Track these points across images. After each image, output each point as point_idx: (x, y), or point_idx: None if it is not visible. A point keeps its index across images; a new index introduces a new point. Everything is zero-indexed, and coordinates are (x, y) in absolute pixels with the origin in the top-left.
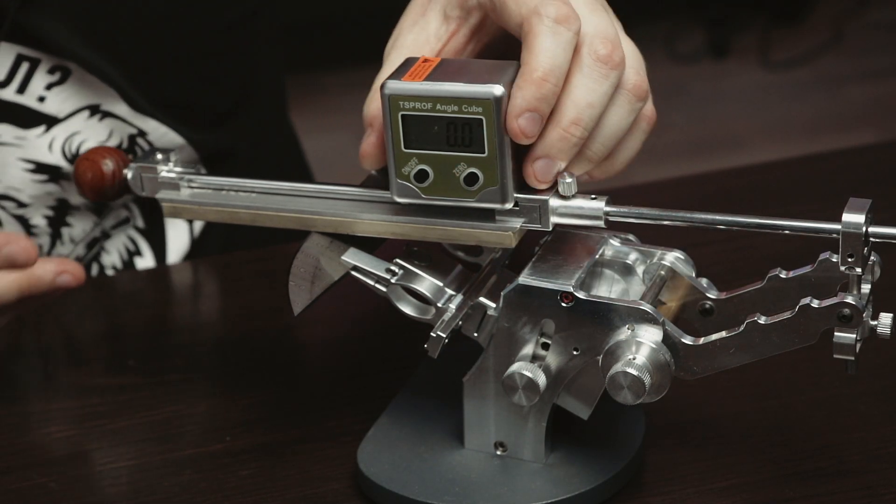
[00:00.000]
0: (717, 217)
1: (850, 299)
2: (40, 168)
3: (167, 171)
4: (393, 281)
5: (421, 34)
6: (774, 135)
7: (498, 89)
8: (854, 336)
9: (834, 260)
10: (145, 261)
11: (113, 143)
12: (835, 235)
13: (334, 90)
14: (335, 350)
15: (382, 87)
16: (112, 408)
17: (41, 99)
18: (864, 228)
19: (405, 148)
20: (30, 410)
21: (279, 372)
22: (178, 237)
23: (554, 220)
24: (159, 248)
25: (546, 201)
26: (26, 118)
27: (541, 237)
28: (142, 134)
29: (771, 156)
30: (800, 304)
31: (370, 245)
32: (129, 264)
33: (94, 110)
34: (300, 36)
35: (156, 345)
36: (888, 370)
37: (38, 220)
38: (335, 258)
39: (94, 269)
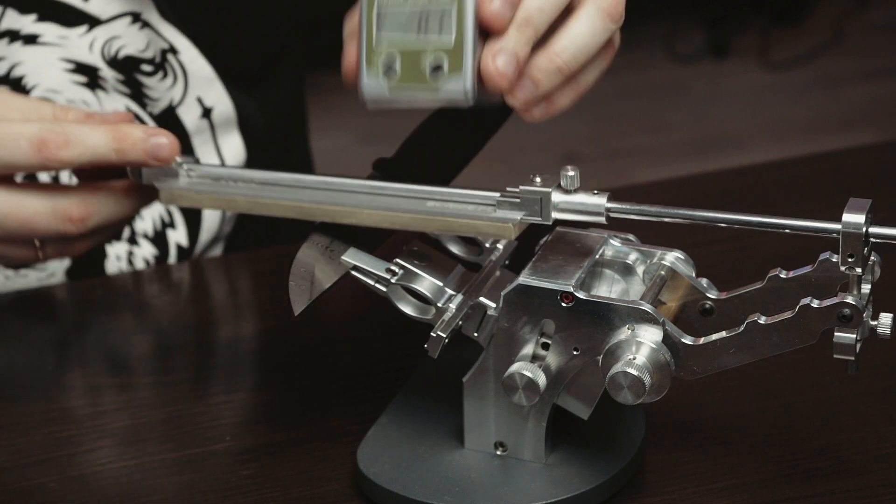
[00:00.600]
0: (719, 215)
1: (850, 299)
2: (79, 68)
3: None
4: (393, 281)
5: None
6: (774, 135)
7: None
8: (854, 336)
9: (834, 260)
10: (177, 234)
11: (149, 54)
12: (835, 235)
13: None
14: (335, 350)
15: None
16: (112, 408)
17: None
18: (864, 228)
19: (376, 32)
20: (30, 410)
21: (279, 372)
22: (212, 215)
23: (555, 214)
24: (194, 224)
25: (548, 194)
26: (70, 17)
27: (541, 237)
28: (173, 51)
29: (771, 156)
30: (800, 304)
31: (370, 245)
32: (161, 235)
33: (135, 17)
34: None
35: (156, 345)
36: (888, 370)
37: None
38: (335, 258)
39: (126, 233)
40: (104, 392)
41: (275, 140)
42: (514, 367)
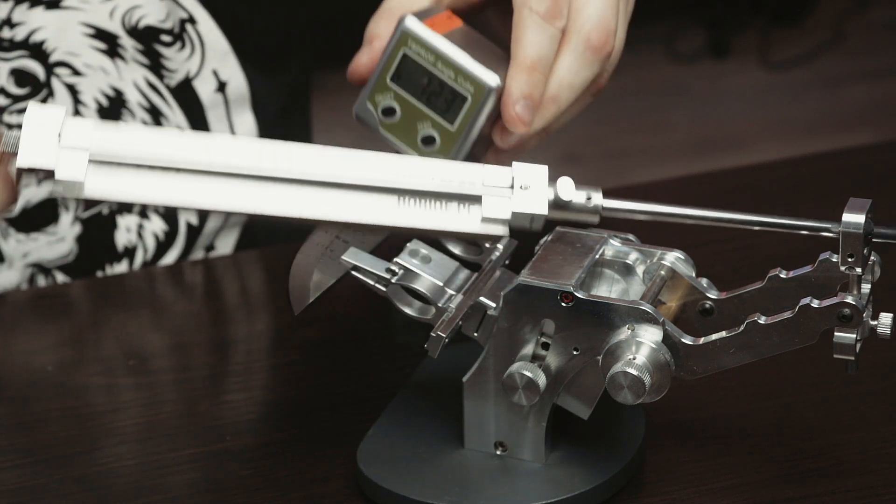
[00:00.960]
0: (715, 214)
1: (850, 299)
2: (99, 34)
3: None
4: (393, 281)
5: None
6: (774, 135)
7: (495, 81)
8: (854, 336)
9: (834, 260)
10: (188, 212)
11: (168, 25)
12: (834, 235)
13: (334, 90)
14: (335, 350)
15: (403, 18)
16: (112, 408)
17: None
18: (864, 228)
19: (390, 80)
20: (30, 410)
21: (279, 372)
22: None
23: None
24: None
25: (541, 217)
26: None
27: (541, 237)
28: (192, 20)
29: (771, 156)
30: (800, 304)
31: (370, 245)
32: (172, 210)
33: None
34: None
35: (156, 345)
36: (888, 370)
37: (89, 98)
38: (335, 258)
39: (138, 206)
40: (104, 392)
41: (281, 123)
42: (514, 367)
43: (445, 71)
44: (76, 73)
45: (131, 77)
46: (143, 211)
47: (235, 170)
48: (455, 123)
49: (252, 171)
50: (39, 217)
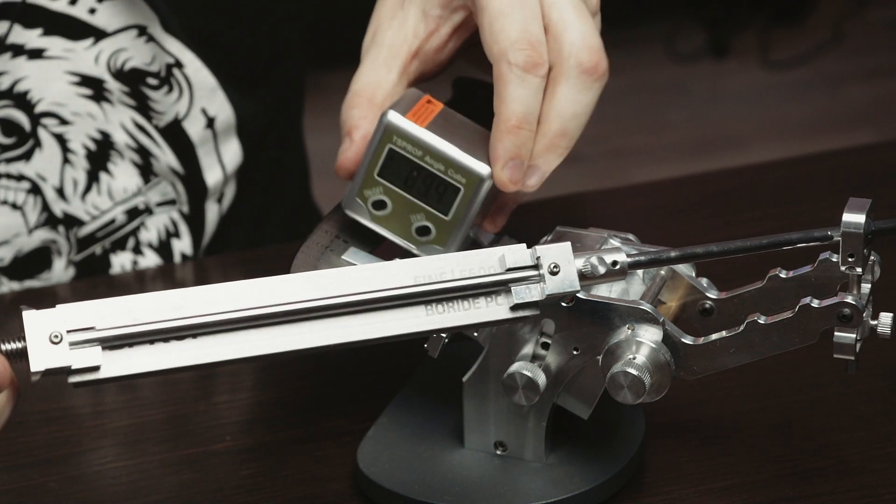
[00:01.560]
0: (734, 245)
1: (850, 299)
2: (85, 81)
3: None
4: None
5: (399, 32)
6: (774, 135)
7: (486, 170)
8: (854, 336)
9: (834, 260)
10: (182, 243)
11: (154, 68)
12: (836, 238)
13: (334, 90)
14: (335, 350)
15: (385, 114)
16: (112, 408)
17: (92, 11)
18: (864, 228)
19: (377, 175)
20: (30, 410)
21: (279, 372)
22: (216, 222)
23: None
24: (198, 233)
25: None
26: (75, 30)
27: (541, 237)
28: (179, 65)
29: (771, 156)
30: (800, 304)
31: (370, 245)
32: (166, 244)
33: (141, 31)
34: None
35: None
36: (888, 370)
37: (78, 146)
38: (335, 258)
39: (131, 243)
40: (104, 392)
41: (271, 141)
42: (514, 367)
43: (435, 164)
44: (63, 122)
45: (118, 119)
46: (137, 247)
47: (254, 317)
48: (450, 214)
49: (273, 313)
50: (33, 265)
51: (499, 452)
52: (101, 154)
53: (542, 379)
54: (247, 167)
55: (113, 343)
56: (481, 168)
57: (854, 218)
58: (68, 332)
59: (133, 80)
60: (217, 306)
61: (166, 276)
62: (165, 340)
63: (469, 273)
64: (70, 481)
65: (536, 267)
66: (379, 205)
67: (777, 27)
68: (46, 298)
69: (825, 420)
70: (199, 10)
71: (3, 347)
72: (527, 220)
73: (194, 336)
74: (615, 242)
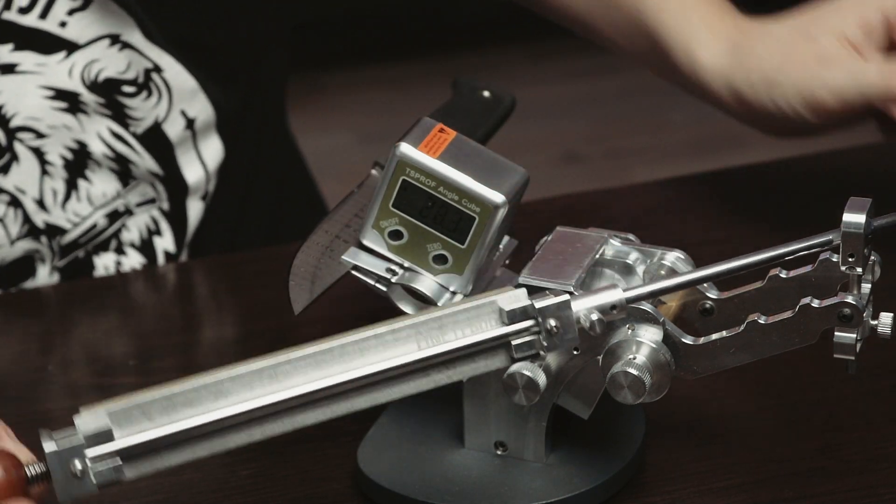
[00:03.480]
0: (740, 263)
1: (850, 299)
2: (59, 94)
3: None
4: (394, 280)
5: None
6: None
7: (500, 198)
8: (854, 336)
9: (834, 260)
10: (164, 241)
11: (130, 75)
12: (836, 242)
13: (334, 90)
14: None
15: (396, 147)
16: None
17: (63, 24)
18: (864, 229)
19: (392, 206)
20: (30, 410)
21: None
22: (198, 218)
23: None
24: (180, 230)
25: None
26: (47, 44)
27: (541, 237)
28: (157, 69)
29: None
30: (800, 303)
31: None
32: (148, 243)
33: (114, 39)
34: (298, 36)
35: (156, 345)
36: (888, 370)
37: (55, 157)
38: (336, 257)
39: (113, 244)
40: (104, 392)
41: (252, 136)
42: (515, 367)
43: (448, 194)
44: (40, 135)
45: (95, 129)
46: (119, 247)
47: (266, 406)
48: (465, 242)
49: (283, 400)
50: (16, 273)
51: (499, 452)
52: (78, 163)
53: (542, 379)
54: (228, 163)
55: (134, 453)
56: (495, 196)
57: (854, 218)
58: (90, 459)
59: (108, 90)
60: (230, 398)
61: (161, 277)
62: (187, 440)
63: (470, 332)
64: None
65: (536, 321)
66: (395, 235)
67: None
68: (46, 299)
69: (825, 420)
70: (177, 12)
71: (29, 473)
72: (527, 220)
73: (211, 436)
74: (615, 242)
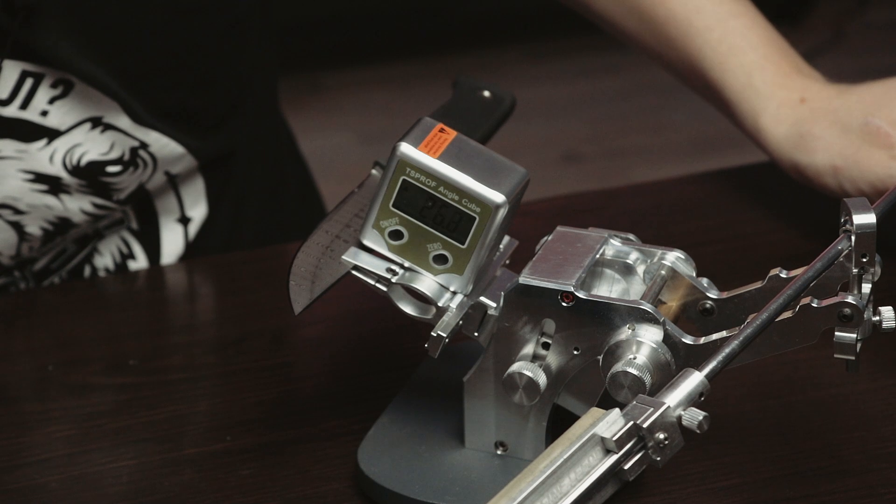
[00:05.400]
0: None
1: (850, 299)
2: (40, 178)
3: None
4: (394, 280)
5: None
6: None
7: (500, 198)
8: (855, 335)
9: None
10: (138, 263)
11: (114, 155)
12: (841, 247)
13: (333, 90)
14: (335, 350)
15: (396, 147)
16: (112, 408)
17: (44, 113)
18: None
19: (392, 206)
20: (30, 410)
21: (279, 372)
22: (173, 240)
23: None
24: (153, 251)
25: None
26: (28, 132)
27: (541, 237)
28: (143, 146)
29: None
30: (800, 303)
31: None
32: (122, 267)
33: (95, 122)
34: (298, 36)
35: (156, 345)
36: (888, 370)
37: (35, 229)
38: (336, 257)
39: (87, 271)
40: (104, 392)
41: (252, 136)
42: (515, 367)
43: (449, 194)
44: (18, 212)
45: (77, 206)
46: (94, 272)
47: None
48: (466, 242)
49: None
50: None
51: (499, 452)
52: (58, 231)
53: (542, 379)
54: (227, 163)
55: None
56: (495, 196)
57: (865, 219)
58: None
59: (91, 172)
60: None
61: (166, 277)
62: None
63: (581, 471)
64: (70, 481)
65: (641, 439)
66: (395, 235)
67: (777, 27)
68: (45, 299)
69: (825, 420)
70: (160, 85)
71: None
72: (527, 220)
73: None
74: (616, 242)
